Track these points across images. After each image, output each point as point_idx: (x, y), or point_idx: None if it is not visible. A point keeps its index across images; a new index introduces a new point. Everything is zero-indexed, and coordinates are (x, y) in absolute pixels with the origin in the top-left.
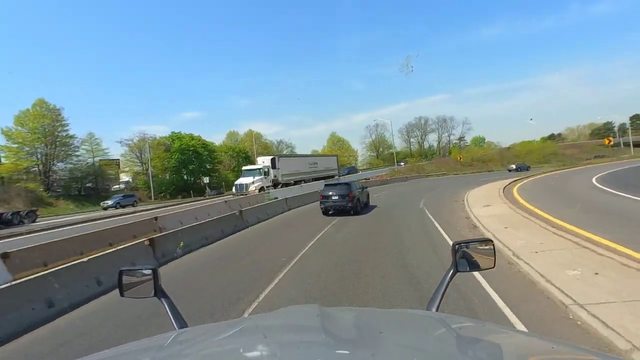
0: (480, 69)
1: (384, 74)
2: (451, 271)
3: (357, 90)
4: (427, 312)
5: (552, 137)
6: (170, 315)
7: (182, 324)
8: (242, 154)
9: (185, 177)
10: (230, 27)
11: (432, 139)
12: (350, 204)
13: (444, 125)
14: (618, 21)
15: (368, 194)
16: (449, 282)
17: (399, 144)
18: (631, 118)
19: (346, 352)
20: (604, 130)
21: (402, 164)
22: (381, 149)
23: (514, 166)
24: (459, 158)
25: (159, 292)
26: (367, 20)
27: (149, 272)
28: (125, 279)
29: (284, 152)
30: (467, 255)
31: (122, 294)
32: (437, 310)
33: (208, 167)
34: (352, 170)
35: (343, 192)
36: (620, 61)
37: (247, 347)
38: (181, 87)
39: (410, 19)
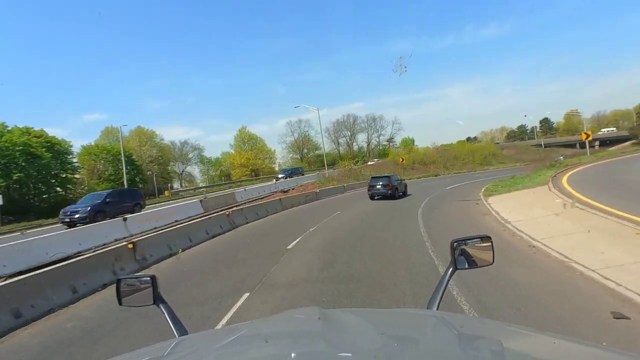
0: (391, 79)
1: (305, 79)
2: (450, 269)
3: (280, 95)
4: (427, 311)
5: (468, 139)
6: (170, 323)
7: (182, 331)
8: (120, 157)
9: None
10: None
11: (361, 140)
12: (390, 191)
13: (373, 124)
14: (502, 43)
15: (406, 184)
16: (448, 280)
17: (326, 146)
18: (540, 122)
19: (348, 354)
20: (519, 133)
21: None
22: (306, 150)
23: None
24: (401, 160)
25: (158, 300)
26: (287, 27)
27: (147, 279)
28: (124, 287)
29: (189, 155)
30: (465, 253)
31: (120, 303)
32: (437, 308)
33: (61, 175)
34: (296, 171)
35: (384, 183)
36: (502, 78)
37: (249, 353)
38: (82, 85)
39: (327, 28)
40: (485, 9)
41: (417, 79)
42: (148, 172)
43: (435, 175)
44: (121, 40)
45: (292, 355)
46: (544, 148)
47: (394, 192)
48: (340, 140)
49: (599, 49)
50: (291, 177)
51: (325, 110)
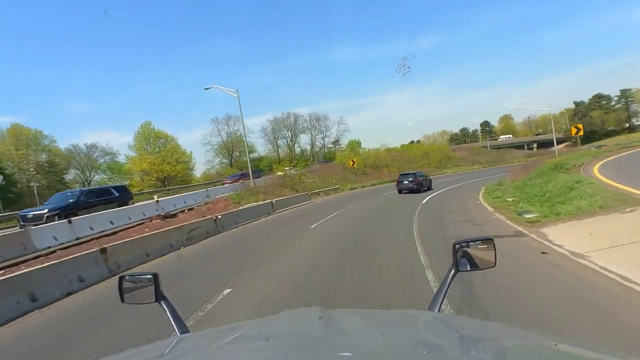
0: (333, 86)
1: (251, 83)
2: (452, 271)
3: (222, 99)
4: (429, 313)
5: (412, 143)
6: (172, 321)
7: (184, 329)
8: None
9: None
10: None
11: (304, 142)
12: (416, 186)
13: (317, 125)
14: (434, 55)
15: (430, 180)
16: (450, 282)
17: (262, 148)
18: (481, 125)
19: (349, 354)
20: (462, 136)
21: (236, 176)
22: (237, 153)
23: None
24: (351, 163)
25: (160, 297)
26: (233, 29)
27: (149, 277)
28: (126, 285)
29: (100, 161)
30: (467, 255)
31: (122, 300)
32: (439, 310)
33: None
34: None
35: (411, 179)
36: (434, 88)
37: (250, 352)
38: None
39: (276, 32)
40: (420, 22)
41: (359, 86)
42: (32, 183)
43: (393, 181)
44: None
45: (293, 354)
46: (496, 150)
47: (419, 186)
48: (279, 142)
49: (526, 58)
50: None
51: (270, 115)
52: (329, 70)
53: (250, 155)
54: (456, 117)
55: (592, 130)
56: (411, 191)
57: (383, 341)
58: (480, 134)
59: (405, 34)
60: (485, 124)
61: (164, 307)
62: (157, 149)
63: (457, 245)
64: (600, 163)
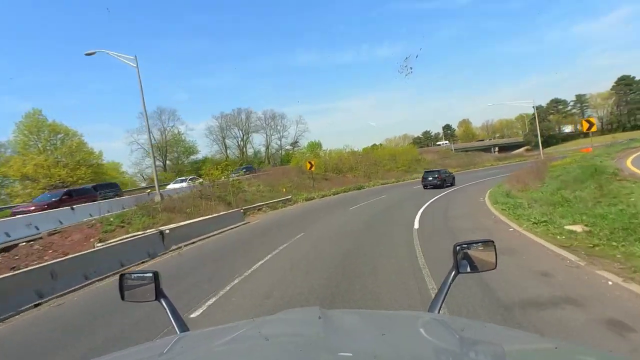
0: (295, 90)
1: (204, 85)
2: (452, 273)
3: (180, 100)
4: (429, 314)
5: (374, 146)
6: (172, 319)
7: (184, 327)
8: None
9: None
10: None
11: (259, 143)
12: (439, 182)
13: (272, 123)
14: (394, 62)
15: (454, 177)
16: (450, 284)
17: (207, 149)
18: (443, 128)
19: (349, 354)
20: (424, 139)
21: (184, 180)
22: (176, 154)
23: None
24: (308, 166)
25: (160, 296)
26: (192, 29)
27: (150, 275)
28: (126, 283)
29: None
30: (468, 257)
31: (123, 298)
32: (439, 311)
33: None
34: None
35: (435, 175)
36: (396, 94)
37: (249, 352)
38: None
39: (236, 32)
40: (378, 32)
41: (323, 91)
42: None
43: (359, 189)
44: None
45: (293, 354)
46: (464, 152)
47: (442, 182)
48: (228, 142)
49: (485, 68)
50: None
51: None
52: (291, 74)
53: (192, 156)
54: (417, 122)
55: (550, 135)
56: (434, 187)
57: (383, 342)
58: (442, 137)
59: (366, 42)
60: (447, 127)
61: (164, 305)
62: (51, 147)
63: (458, 247)
64: None
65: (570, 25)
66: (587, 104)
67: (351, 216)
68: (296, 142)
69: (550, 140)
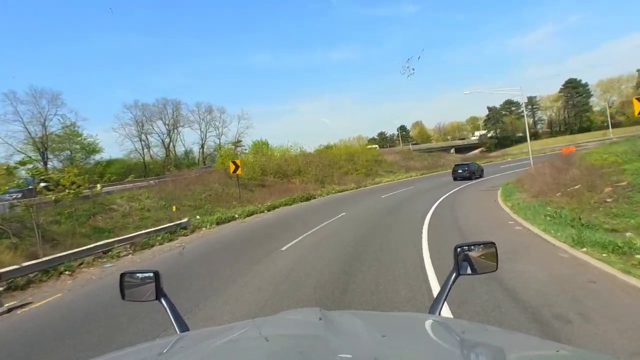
0: (250, 90)
1: (158, 85)
2: (453, 275)
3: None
4: (429, 316)
5: (329, 146)
6: (172, 319)
7: (184, 327)
8: None
9: None
10: None
11: (191, 141)
12: (468, 174)
13: (209, 118)
14: (349, 66)
15: (482, 169)
16: (451, 286)
17: (115, 149)
18: (398, 129)
19: (349, 356)
20: (380, 140)
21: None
22: (68, 152)
23: None
24: (232, 169)
25: (161, 295)
26: (134, 29)
27: (150, 275)
28: (127, 282)
29: None
30: (469, 259)
31: (123, 297)
32: (439, 313)
33: None
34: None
35: (465, 168)
36: (348, 97)
37: (249, 352)
38: None
39: (182, 30)
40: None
41: (275, 93)
42: None
43: (308, 199)
44: None
45: (293, 355)
46: (428, 153)
47: (471, 175)
48: (151, 140)
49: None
50: None
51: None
52: (244, 76)
53: (94, 156)
54: (371, 124)
55: (504, 136)
56: (463, 179)
57: (383, 344)
58: (398, 138)
59: (320, 45)
60: (402, 129)
61: (165, 305)
62: None
63: (459, 249)
64: None
65: (505, 39)
66: (537, 106)
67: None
68: (239, 141)
69: (505, 142)
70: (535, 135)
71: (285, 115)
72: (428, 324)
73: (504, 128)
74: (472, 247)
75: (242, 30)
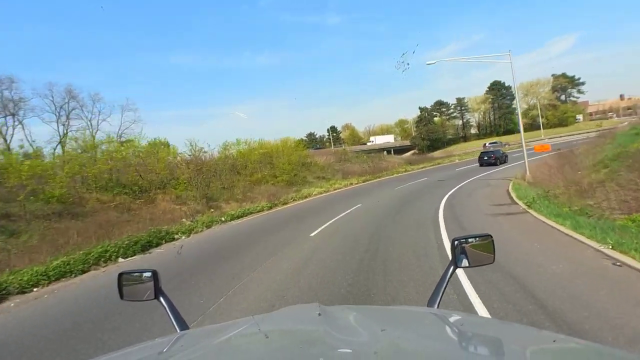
0: (171, 94)
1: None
2: (451, 267)
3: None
4: (428, 309)
5: (238, 144)
6: (171, 317)
7: (183, 325)
8: None
9: None
10: None
11: (40, 133)
12: (493, 160)
13: (68, 107)
14: (276, 72)
15: (507, 155)
16: (449, 279)
17: None
18: (328, 130)
19: (348, 350)
20: (309, 142)
21: None
22: None
23: None
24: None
25: (160, 294)
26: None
27: (149, 274)
28: (125, 282)
29: None
30: (466, 251)
31: (122, 297)
32: (438, 306)
33: None
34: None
35: (490, 155)
36: (279, 102)
37: (249, 349)
38: None
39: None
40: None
41: (203, 97)
42: None
43: (146, 247)
44: None
45: (293, 351)
46: (367, 154)
47: (496, 161)
48: None
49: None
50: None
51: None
52: (167, 76)
53: None
54: (302, 128)
55: (436, 138)
56: (489, 164)
57: (382, 337)
58: (329, 139)
59: (248, 49)
60: (333, 130)
61: (163, 303)
62: None
63: (456, 242)
64: None
65: (423, 52)
66: (466, 108)
67: None
68: (120, 136)
69: (436, 144)
70: (464, 138)
71: (215, 119)
72: (427, 316)
73: (434, 129)
74: (469, 239)
75: (164, 29)
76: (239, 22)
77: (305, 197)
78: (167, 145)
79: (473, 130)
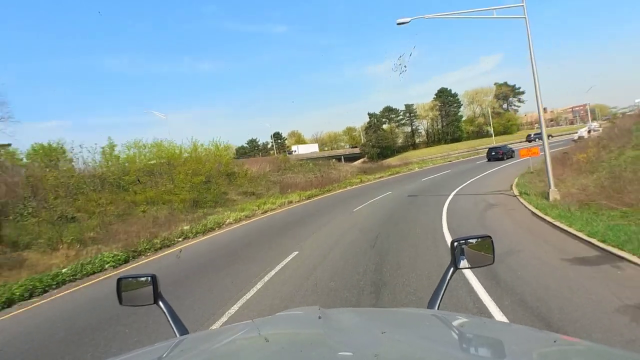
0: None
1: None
2: (451, 269)
3: None
4: (428, 311)
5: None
6: (171, 322)
7: (183, 330)
8: None
9: None
10: None
11: None
12: (500, 155)
13: None
14: (216, 78)
15: (513, 150)
16: (449, 280)
17: None
18: (272, 136)
19: (349, 353)
20: (250, 149)
21: None
22: None
23: None
24: None
25: (159, 299)
26: None
27: (148, 279)
28: (124, 286)
29: None
30: (466, 252)
31: (121, 302)
32: (438, 308)
33: None
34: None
35: (497, 151)
36: (218, 110)
37: (250, 353)
38: None
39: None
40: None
41: (134, 103)
42: None
43: None
44: None
45: (293, 355)
46: (313, 162)
47: (503, 156)
48: None
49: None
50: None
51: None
52: (97, 81)
53: None
54: (245, 137)
55: (386, 145)
56: (497, 159)
57: (383, 340)
58: (272, 145)
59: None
60: (277, 136)
61: (163, 308)
62: None
63: (456, 243)
64: None
65: (362, 66)
66: (415, 114)
67: None
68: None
69: (385, 152)
70: (413, 146)
71: (152, 127)
72: (427, 318)
73: (384, 136)
74: (469, 240)
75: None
76: (178, 28)
77: (205, 231)
78: (56, 149)
79: (421, 139)
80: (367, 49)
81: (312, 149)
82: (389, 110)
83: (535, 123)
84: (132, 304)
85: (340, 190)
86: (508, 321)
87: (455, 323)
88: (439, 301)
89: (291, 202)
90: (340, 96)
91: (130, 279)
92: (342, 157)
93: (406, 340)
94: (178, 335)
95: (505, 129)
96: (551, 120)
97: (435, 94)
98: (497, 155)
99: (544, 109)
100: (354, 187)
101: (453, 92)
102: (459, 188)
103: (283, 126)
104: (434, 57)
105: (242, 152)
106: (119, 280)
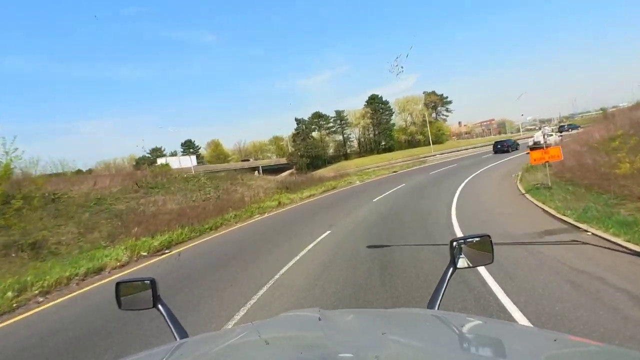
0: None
1: None
2: (450, 268)
3: None
4: (428, 311)
5: (79, 172)
6: (171, 325)
7: (182, 333)
8: None
9: None
10: None
11: None
12: (505, 148)
13: None
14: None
15: (518, 144)
16: (448, 280)
17: None
18: (182, 144)
19: (349, 355)
20: (154, 159)
21: None
22: None
23: None
24: None
25: (158, 303)
26: None
27: (147, 282)
28: (123, 291)
29: None
30: (465, 252)
31: (120, 306)
32: (438, 308)
33: None
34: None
35: (503, 144)
36: (146, 118)
37: (250, 355)
38: None
39: None
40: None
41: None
42: None
43: None
44: None
45: (293, 357)
46: (213, 175)
47: (508, 149)
48: None
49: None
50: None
51: None
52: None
53: None
54: (171, 146)
55: (316, 155)
56: (503, 152)
57: (383, 341)
58: (180, 154)
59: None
60: (189, 144)
61: (162, 312)
62: None
63: (455, 243)
64: None
65: (295, 79)
66: (346, 122)
67: None
68: None
69: (316, 162)
70: (345, 156)
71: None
72: (427, 319)
73: (314, 145)
74: (468, 240)
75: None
76: (95, 30)
77: None
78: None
79: (353, 149)
80: (299, 62)
81: (186, 161)
82: (318, 116)
83: (466, 133)
84: (132, 308)
85: (237, 227)
86: (508, 314)
87: (455, 323)
88: (439, 301)
89: (103, 269)
90: (269, 107)
91: (129, 283)
92: (260, 168)
93: (406, 341)
94: (178, 339)
95: (437, 138)
96: (467, 133)
97: (366, 101)
98: (503, 147)
99: (459, 123)
100: (264, 216)
101: (384, 99)
102: (453, 207)
103: (205, 136)
104: (364, 72)
105: (143, 162)
106: (118, 284)
